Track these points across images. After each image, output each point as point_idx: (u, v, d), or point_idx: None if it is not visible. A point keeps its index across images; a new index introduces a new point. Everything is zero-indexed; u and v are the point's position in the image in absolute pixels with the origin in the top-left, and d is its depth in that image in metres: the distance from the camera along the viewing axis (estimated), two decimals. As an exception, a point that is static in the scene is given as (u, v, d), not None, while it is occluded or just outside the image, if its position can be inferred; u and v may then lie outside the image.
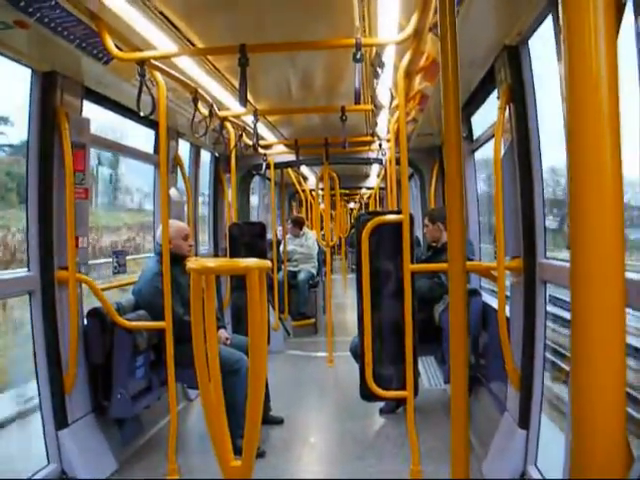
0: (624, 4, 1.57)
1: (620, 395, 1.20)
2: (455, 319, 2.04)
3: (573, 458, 1.26)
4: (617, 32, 1.18)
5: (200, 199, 7.25)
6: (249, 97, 4.01)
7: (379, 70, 4.08)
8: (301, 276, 9.62)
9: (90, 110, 4.39)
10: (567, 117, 1.22)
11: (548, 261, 3.54)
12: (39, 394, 3.98)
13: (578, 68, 1.17)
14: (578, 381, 1.24)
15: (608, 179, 1.16)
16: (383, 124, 6.32)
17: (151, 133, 5.81)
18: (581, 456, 1.23)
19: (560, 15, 1.21)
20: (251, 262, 2.35)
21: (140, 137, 6.17)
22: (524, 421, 3.66)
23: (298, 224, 10.11)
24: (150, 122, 5.18)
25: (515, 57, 3.61)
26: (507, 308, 3.96)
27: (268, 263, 2.56)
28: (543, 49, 3.53)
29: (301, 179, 11.26)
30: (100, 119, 4.80)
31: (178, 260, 4.60)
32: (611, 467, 1.19)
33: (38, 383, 3.97)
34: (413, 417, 4.06)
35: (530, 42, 3.56)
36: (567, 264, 3.00)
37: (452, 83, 2.00)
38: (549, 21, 3.04)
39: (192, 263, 2.39)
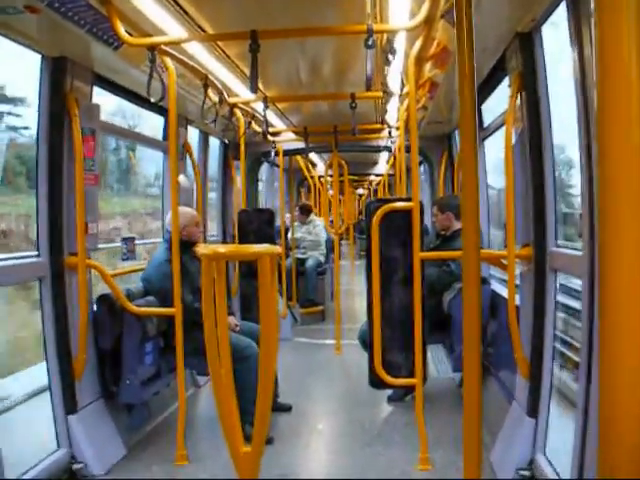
0: None
1: None
2: (468, 307, 2.03)
3: (600, 458, 1.25)
4: None
5: (209, 185, 7.26)
6: (259, 84, 4.00)
7: (390, 57, 4.06)
8: (309, 263, 9.61)
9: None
10: (597, 102, 1.20)
11: (559, 249, 3.53)
12: (49, 379, 4.00)
13: (610, 52, 1.15)
14: (605, 379, 1.22)
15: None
16: (393, 111, 6.30)
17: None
18: (609, 456, 1.22)
19: None
20: (262, 248, 2.35)
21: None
22: (533, 410, 3.66)
23: (306, 211, 10.09)
24: (159, 109, 5.18)
25: (527, 44, 3.58)
26: (517, 297, 3.95)
27: (279, 249, 2.56)
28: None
29: (310, 165, 11.24)
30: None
31: (187, 247, 4.60)
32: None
33: (48, 369, 3.99)
34: (422, 405, 4.06)
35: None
36: (579, 253, 3.01)
37: (468, 69, 1.98)
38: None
39: (203, 249, 2.38)
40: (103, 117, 4.43)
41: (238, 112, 5.84)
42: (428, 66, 4.51)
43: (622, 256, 1.17)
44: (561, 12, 3.07)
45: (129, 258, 4.98)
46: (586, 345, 2.88)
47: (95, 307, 4.35)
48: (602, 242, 1.21)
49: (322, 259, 9.92)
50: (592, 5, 1.20)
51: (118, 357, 4.39)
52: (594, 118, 1.26)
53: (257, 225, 6.22)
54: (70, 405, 4.01)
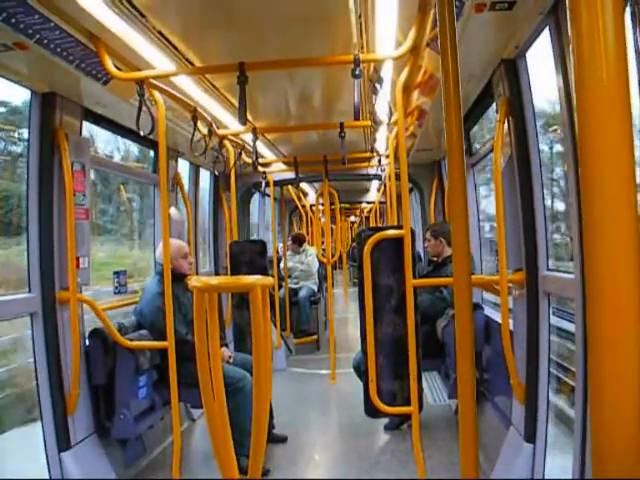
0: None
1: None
2: (461, 333, 2.03)
3: (594, 460, 1.24)
4: (624, 34, 1.17)
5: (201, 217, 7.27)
6: (248, 115, 4.02)
7: (377, 86, 4.09)
8: (302, 293, 9.61)
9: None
10: (578, 124, 1.21)
11: (551, 273, 3.53)
12: (41, 416, 3.95)
13: (588, 72, 1.17)
14: (597, 392, 1.22)
15: (623, 186, 1.16)
16: (382, 140, 6.34)
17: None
18: (601, 457, 1.22)
19: (568, 21, 1.20)
20: (254, 279, 2.34)
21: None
22: (530, 435, 3.64)
23: (298, 241, 10.11)
24: (149, 142, 5.20)
25: (513, 70, 3.62)
26: (510, 322, 3.95)
27: (271, 280, 2.55)
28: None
29: (301, 195, 11.27)
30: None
31: (179, 279, 4.59)
32: (632, 467, 1.18)
33: (40, 405, 3.94)
34: (418, 433, 4.04)
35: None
36: (571, 276, 3.01)
37: (453, 97, 1.99)
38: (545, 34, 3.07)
39: (195, 281, 2.37)
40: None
41: (228, 144, 5.86)
42: (416, 94, 4.56)
43: (609, 276, 1.18)
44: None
45: (121, 292, 4.97)
46: (581, 366, 2.88)
47: (87, 341, 4.32)
48: (588, 266, 1.22)
49: (315, 288, 9.90)
50: (569, 31, 1.21)
51: (111, 391, 4.35)
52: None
53: (249, 256, 6.21)
54: (63, 442, 3.96)
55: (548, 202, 4.53)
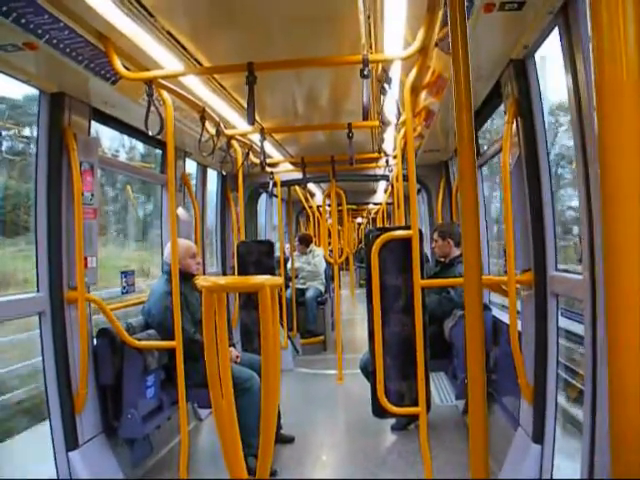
0: None
1: None
2: (471, 333, 2.02)
3: (613, 454, 1.23)
4: None
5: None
6: (256, 115, 4.03)
7: (386, 86, 4.08)
8: (309, 293, 9.61)
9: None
10: (598, 122, 1.20)
11: (560, 274, 3.52)
12: (49, 415, 3.96)
13: (609, 69, 1.16)
14: (615, 397, 1.22)
15: None
16: (390, 140, 6.33)
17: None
18: (621, 454, 1.21)
19: (588, 18, 1.20)
20: (263, 279, 2.34)
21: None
22: (538, 436, 3.63)
23: (305, 241, 10.11)
24: (157, 142, 5.20)
25: (521, 71, 3.62)
26: (518, 322, 3.94)
27: (279, 280, 2.55)
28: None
29: (308, 196, 11.27)
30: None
31: (187, 279, 4.60)
32: None
33: (48, 404, 3.95)
34: (426, 433, 4.03)
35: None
36: (579, 276, 3.00)
37: (464, 97, 1.99)
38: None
39: (204, 281, 2.37)
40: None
41: (235, 144, 5.87)
42: (424, 94, 4.55)
43: (627, 276, 1.17)
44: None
45: (129, 291, 4.98)
46: (590, 367, 2.87)
47: (95, 341, 4.33)
48: (606, 263, 1.21)
49: (322, 289, 9.90)
50: (589, 31, 1.21)
51: (119, 391, 4.36)
52: (593, 143, 1.27)
53: (256, 256, 6.21)
54: (71, 441, 3.97)
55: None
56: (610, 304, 1.21)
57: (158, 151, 6.07)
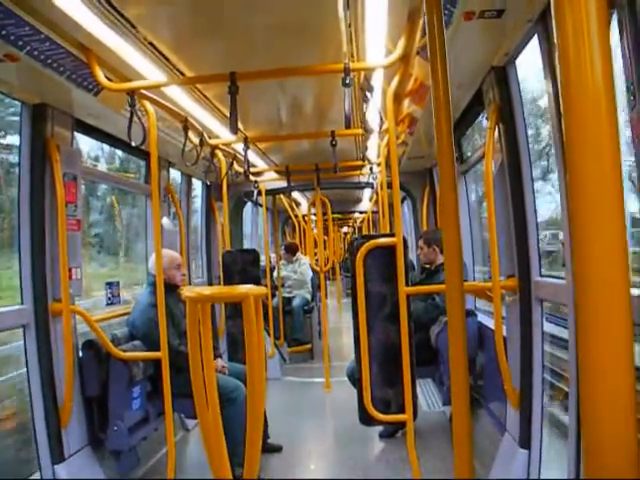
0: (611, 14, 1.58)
1: (631, 401, 1.19)
2: (454, 340, 2.03)
3: (585, 464, 1.25)
4: (609, 39, 1.18)
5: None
6: (239, 125, 4.03)
7: (368, 94, 4.10)
8: (295, 302, 9.61)
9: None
10: (565, 129, 1.22)
11: (543, 279, 3.54)
12: (34, 429, 3.93)
13: (574, 78, 1.18)
14: (587, 394, 1.23)
15: (610, 191, 1.16)
16: (373, 148, 6.35)
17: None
18: (592, 462, 1.22)
19: (554, 27, 1.21)
20: (246, 288, 2.33)
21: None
22: (525, 441, 3.64)
23: (291, 250, 10.12)
24: (141, 152, 5.19)
25: (503, 77, 3.65)
26: (503, 328, 3.95)
27: (264, 289, 2.54)
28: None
29: (294, 205, 11.27)
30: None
31: (171, 290, 4.58)
32: (622, 470, 1.18)
33: (33, 417, 3.92)
34: (413, 440, 4.03)
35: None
36: (563, 281, 3.02)
37: (443, 104, 2.01)
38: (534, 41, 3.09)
39: (188, 291, 2.37)
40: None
41: (219, 153, 5.87)
42: (406, 102, 4.57)
43: (597, 282, 1.18)
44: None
45: (113, 303, 4.95)
46: (574, 371, 2.88)
47: (81, 353, 4.30)
48: (577, 271, 1.23)
49: (309, 297, 9.91)
50: (555, 37, 1.22)
51: (105, 403, 4.33)
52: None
53: (242, 266, 6.20)
54: (57, 454, 3.94)
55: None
56: (581, 311, 1.22)
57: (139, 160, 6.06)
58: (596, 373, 1.20)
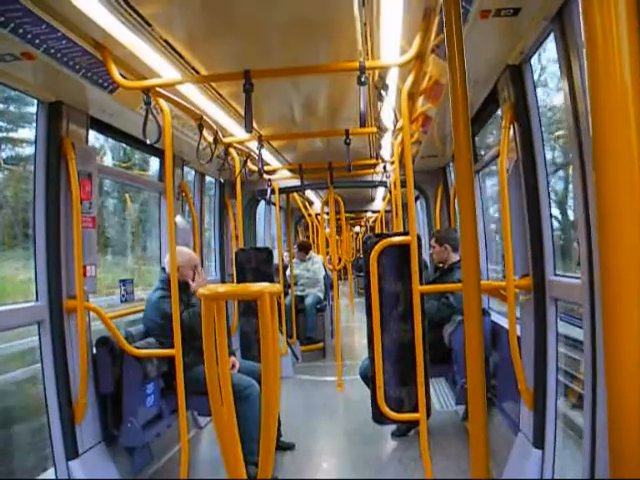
0: None
1: None
2: (470, 339, 2.02)
3: (611, 464, 1.24)
4: (638, 37, 1.17)
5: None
6: (253, 123, 4.03)
7: (383, 93, 4.09)
8: (308, 300, 9.61)
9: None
10: (593, 129, 1.21)
11: (558, 278, 3.53)
12: (49, 425, 3.95)
13: (602, 76, 1.16)
14: (614, 395, 1.22)
15: (637, 189, 1.15)
16: (387, 147, 6.34)
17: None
18: (619, 462, 1.21)
19: (582, 25, 1.20)
20: (262, 286, 2.33)
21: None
22: (539, 441, 3.62)
23: (304, 249, 10.13)
24: (155, 150, 5.21)
25: (518, 76, 3.62)
26: (518, 327, 3.93)
27: (279, 287, 2.54)
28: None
29: (307, 204, 11.28)
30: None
31: (182, 287, 4.55)
32: None
33: (48, 413, 3.94)
34: (426, 439, 4.03)
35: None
36: (578, 281, 3.01)
37: (461, 103, 2.00)
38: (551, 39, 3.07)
39: (202, 289, 2.37)
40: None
41: (233, 152, 5.88)
42: (420, 100, 4.56)
43: (623, 280, 1.17)
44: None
45: (127, 300, 4.97)
46: (590, 372, 2.87)
47: (95, 350, 4.32)
48: (603, 267, 1.21)
49: (321, 296, 9.91)
50: (582, 37, 1.21)
51: (119, 400, 4.35)
52: (590, 149, 1.27)
53: (255, 264, 6.22)
54: (71, 450, 3.96)
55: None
56: (607, 308, 1.21)
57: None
58: (624, 373, 1.19)
